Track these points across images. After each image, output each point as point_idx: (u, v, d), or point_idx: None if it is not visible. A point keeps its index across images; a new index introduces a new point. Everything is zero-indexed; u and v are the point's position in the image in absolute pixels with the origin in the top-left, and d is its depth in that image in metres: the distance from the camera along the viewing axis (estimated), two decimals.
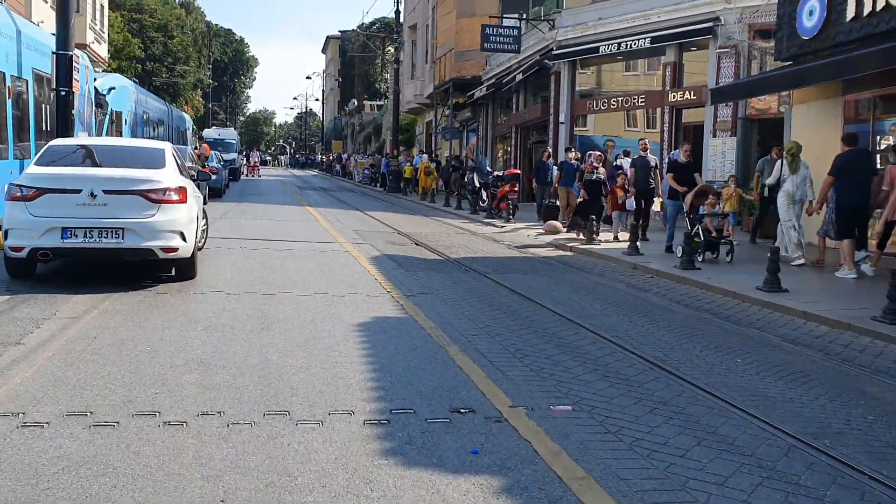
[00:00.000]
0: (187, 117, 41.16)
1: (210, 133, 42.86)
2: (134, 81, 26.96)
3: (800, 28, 12.40)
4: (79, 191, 7.78)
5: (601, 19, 21.87)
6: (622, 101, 21.82)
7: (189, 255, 8.46)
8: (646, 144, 15.37)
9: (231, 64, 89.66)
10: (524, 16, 26.63)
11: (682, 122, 20.20)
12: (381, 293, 8.35)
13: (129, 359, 5.40)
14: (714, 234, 11.24)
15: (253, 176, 46.50)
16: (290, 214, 19.16)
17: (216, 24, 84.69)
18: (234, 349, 5.75)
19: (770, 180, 12.36)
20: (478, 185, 21.98)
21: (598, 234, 13.80)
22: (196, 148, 28.34)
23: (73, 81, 13.00)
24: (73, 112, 13.27)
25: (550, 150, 20.42)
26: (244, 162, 47.30)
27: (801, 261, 10.71)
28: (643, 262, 11.22)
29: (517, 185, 19.32)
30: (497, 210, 19.32)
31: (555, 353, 5.95)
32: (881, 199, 9.97)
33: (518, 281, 9.66)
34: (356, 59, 70.13)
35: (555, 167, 18.55)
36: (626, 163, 16.06)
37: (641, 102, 21.25)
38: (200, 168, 16.54)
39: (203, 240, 10.49)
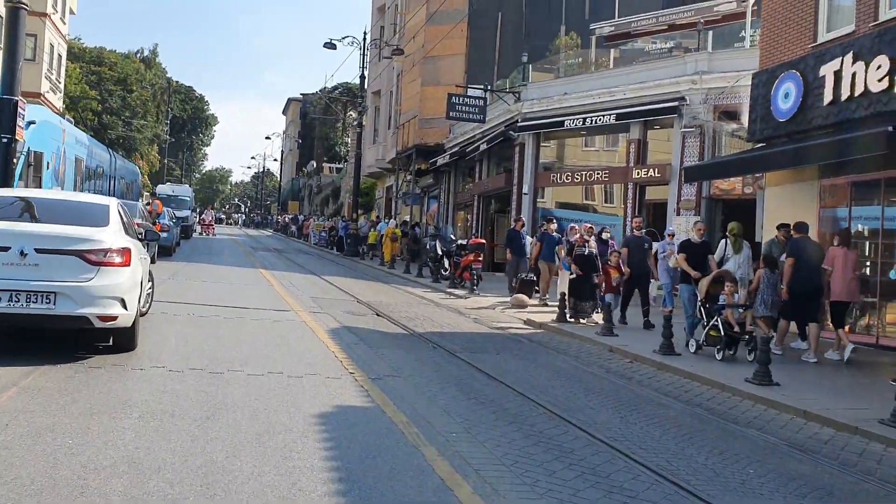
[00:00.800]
0: (137, 169, 39.89)
1: (164, 189, 41.71)
2: (68, 121, 23.58)
3: (774, 110, 12.35)
4: (7, 248, 6.89)
5: (566, 94, 21.95)
6: (586, 175, 21.72)
7: (130, 325, 7.56)
8: (639, 223, 14.07)
9: (190, 121, 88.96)
10: (489, 87, 26.73)
11: (645, 198, 20.11)
12: (342, 374, 7.55)
13: (45, 456, 4.50)
14: (736, 328, 9.81)
15: (207, 234, 45.08)
16: (242, 277, 18.21)
17: (177, 81, 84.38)
18: (173, 445, 4.89)
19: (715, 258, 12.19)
20: (440, 252, 21.36)
21: (592, 316, 12.94)
22: (148, 204, 27.15)
23: (17, 129, 12.18)
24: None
25: (524, 219, 19.91)
26: (196, 219, 46.03)
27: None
28: (619, 345, 10.63)
29: (481, 254, 18.76)
30: (460, 280, 18.70)
31: (547, 459, 5.21)
32: (826, 277, 10.22)
33: (491, 362, 8.95)
34: (317, 121, 70.22)
35: (528, 237, 18.06)
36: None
37: (605, 177, 21.15)
38: (151, 225, 15.57)
39: (147, 304, 9.61)
